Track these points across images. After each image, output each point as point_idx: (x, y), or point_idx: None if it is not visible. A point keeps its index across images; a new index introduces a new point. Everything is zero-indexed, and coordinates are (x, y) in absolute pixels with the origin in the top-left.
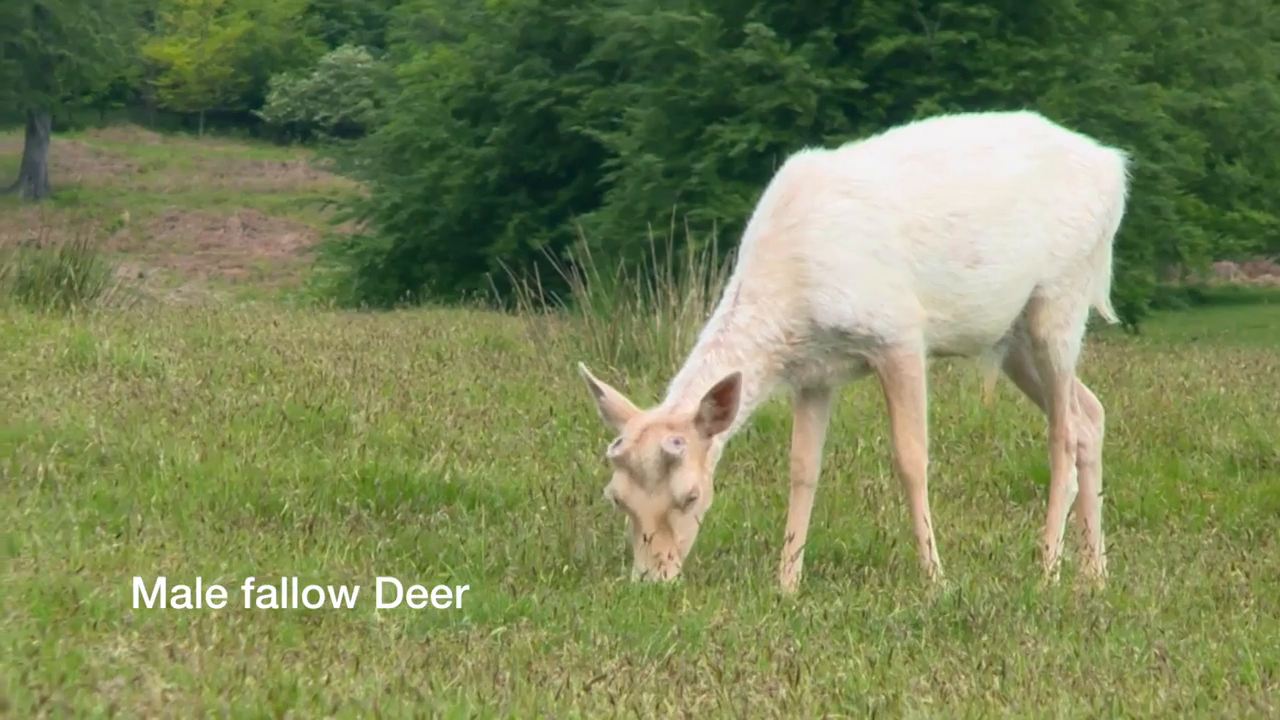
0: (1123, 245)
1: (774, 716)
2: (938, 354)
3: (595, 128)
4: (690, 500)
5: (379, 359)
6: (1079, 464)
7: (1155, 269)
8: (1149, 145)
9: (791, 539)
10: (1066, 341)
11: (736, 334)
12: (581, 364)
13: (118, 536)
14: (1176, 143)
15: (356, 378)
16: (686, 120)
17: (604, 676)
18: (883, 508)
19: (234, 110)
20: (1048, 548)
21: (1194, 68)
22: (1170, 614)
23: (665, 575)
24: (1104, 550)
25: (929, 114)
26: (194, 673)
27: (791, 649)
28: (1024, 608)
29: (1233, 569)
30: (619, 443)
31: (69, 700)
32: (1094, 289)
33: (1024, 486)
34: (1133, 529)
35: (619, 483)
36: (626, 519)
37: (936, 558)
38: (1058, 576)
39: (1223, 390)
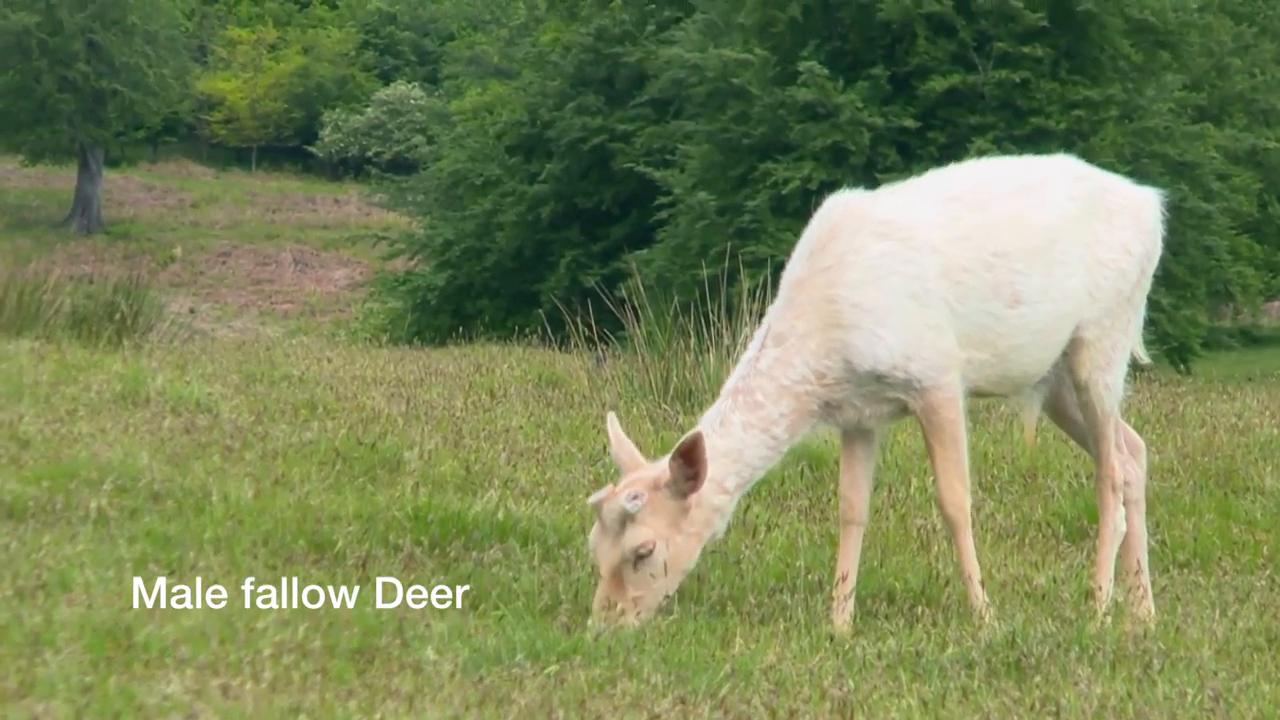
0: (1175, 284)
1: None
2: (977, 394)
3: (648, 165)
4: (641, 557)
5: (432, 395)
6: (1125, 502)
7: (1207, 309)
8: (1202, 185)
9: (844, 579)
10: (1109, 384)
11: (758, 378)
12: (612, 414)
13: (171, 573)
14: (1229, 183)
15: (410, 414)
16: (740, 157)
17: (658, 716)
18: (935, 547)
19: (287, 145)
20: (1100, 588)
21: (1247, 108)
22: (1223, 656)
23: (612, 626)
24: (1152, 589)
25: (982, 153)
26: (247, 710)
27: (845, 689)
28: (1077, 648)
29: None
30: (601, 492)
31: None
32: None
33: (1077, 527)
34: (1185, 570)
35: (593, 531)
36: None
37: (986, 597)
38: (1110, 618)
39: (1276, 431)
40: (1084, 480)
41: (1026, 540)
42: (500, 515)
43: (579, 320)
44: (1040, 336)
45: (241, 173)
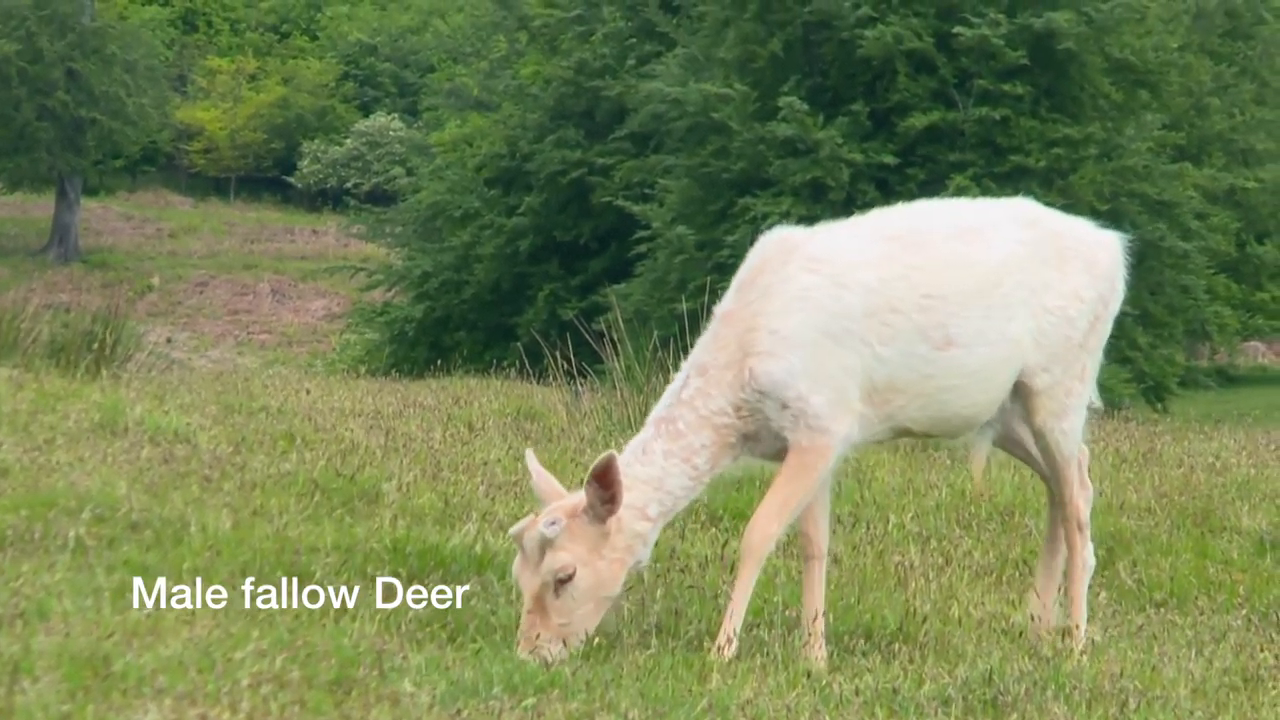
0: (1152, 324)
1: None
2: (912, 435)
3: (628, 199)
4: (561, 582)
5: (411, 428)
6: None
7: (1185, 348)
8: (1180, 224)
9: (816, 617)
10: (1065, 429)
11: (681, 408)
12: (529, 451)
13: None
14: (1208, 222)
15: (388, 447)
16: (719, 192)
17: None
18: (913, 584)
19: (266, 176)
20: (1077, 627)
21: (1226, 148)
22: (1199, 695)
23: (536, 655)
24: (1129, 628)
25: (961, 190)
26: None
27: None
28: (1054, 686)
29: (1262, 650)
30: (521, 522)
31: None
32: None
33: None
34: (1162, 609)
35: (516, 560)
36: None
37: (735, 632)
38: (1086, 656)
39: (1253, 471)
40: None
41: (1004, 578)
42: (478, 549)
43: (558, 354)
44: (976, 379)
45: (220, 203)
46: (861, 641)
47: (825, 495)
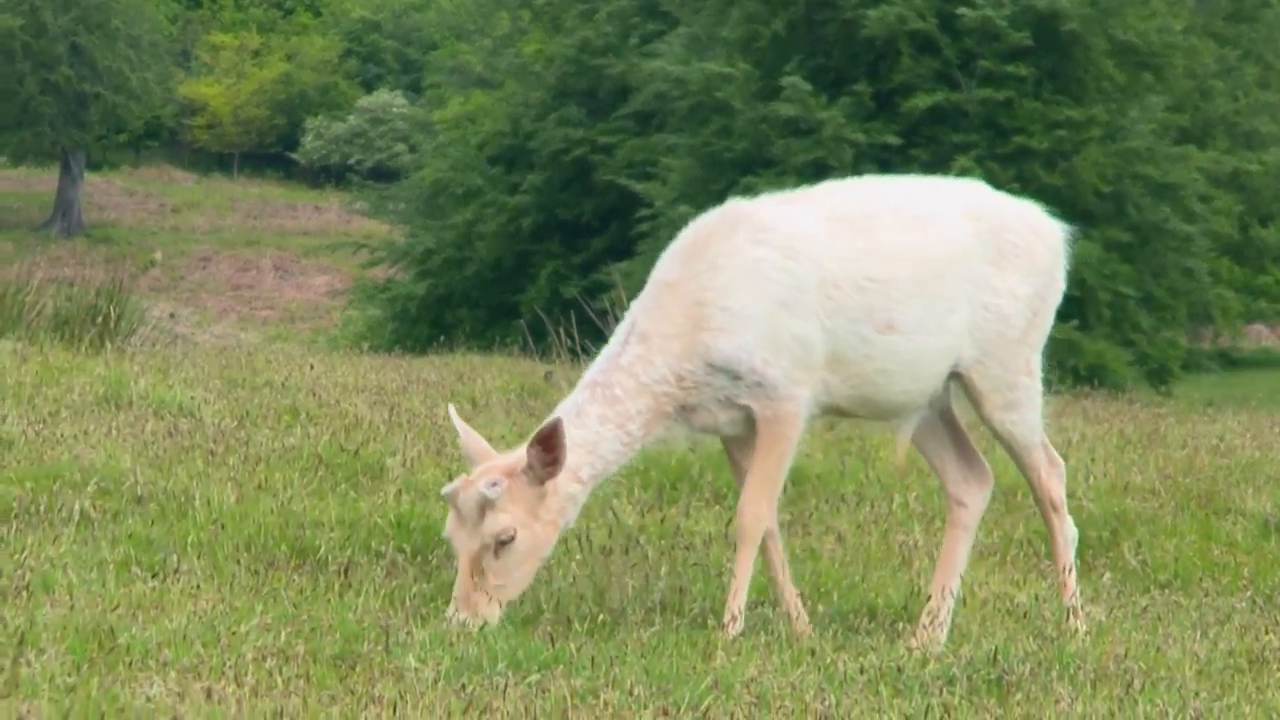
0: (1155, 307)
1: None
2: (839, 414)
3: (630, 177)
4: (502, 543)
5: (414, 404)
6: (953, 526)
7: (1187, 331)
8: (1183, 207)
9: (785, 591)
10: (1015, 421)
11: (619, 373)
12: (451, 405)
13: (153, 576)
14: (1211, 205)
15: (392, 422)
16: (722, 172)
17: None
18: (917, 563)
19: (269, 152)
20: (1075, 604)
21: (1230, 130)
22: (1204, 676)
23: (474, 616)
24: (1133, 609)
25: (965, 171)
26: (230, 713)
27: (826, 703)
28: (1058, 667)
29: (1267, 633)
30: (455, 483)
31: None
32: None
33: None
34: (1167, 590)
35: (449, 520)
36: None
37: (740, 610)
38: (1090, 636)
39: (1257, 454)
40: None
41: (1008, 558)
42: None
43: (561, 331)
44: (910, 367)
45: (223, 178)
46: (866, 620)
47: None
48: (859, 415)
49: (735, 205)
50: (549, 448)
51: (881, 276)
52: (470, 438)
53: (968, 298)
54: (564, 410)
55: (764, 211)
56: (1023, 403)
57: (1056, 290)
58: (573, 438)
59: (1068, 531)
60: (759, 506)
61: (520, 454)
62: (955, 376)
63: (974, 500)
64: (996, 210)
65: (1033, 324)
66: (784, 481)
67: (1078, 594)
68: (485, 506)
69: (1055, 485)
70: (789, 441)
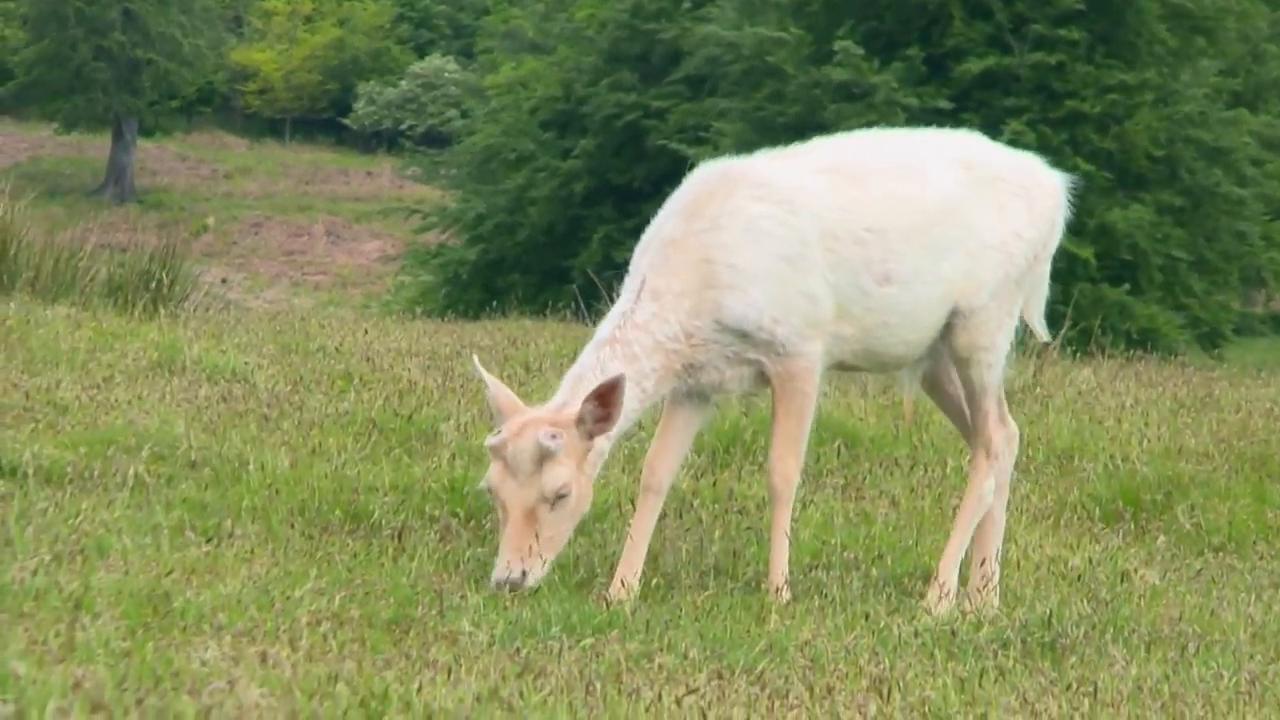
0: (1208, 270)
1: None
2: (844, 368)
3: (682, 142)
4: (560, 497)
5: (468, 369)
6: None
7: (1240, 294)
8: (1236, 171)
9: (634, 547)
10: (990, 362)
11: (634, 330)
12: (475, 356)
13: (208, 541)
14: (1263, 169)
15: (446, 387)
16: (774, 136)
17: (695, 690)
18: None
19: (321, 117)
20: (945, 556)
21: None
22: (1259, 640)
23: (526, 572)
24: (1187, 572)
25: (1016, 135)
26: (285, 677)
27: (881, 666)
28: (1112, 630)
29: None
30: (498, 433)
31: (165, 703)
32: (1029, 308)
33: (1112, 509)
34: (1220, 554)
35: (493, 472)
36: (499, 513)
37: (783, 579)
38: (950, 598)
39: None
40: (1120, 463)
41: (1062, 522)
42: None
43: (613, 296)
44: (909, 317)
45: (275, 144)
46: (920, 584)
47: (686, 437)
48: (862, 368)
49: (731, 163)
50: (606, 403)
51: (878, 227)
52: (499, 389)
53: (963, 245)
54: (588, 368)
55: (761, 168)
56: (1000, 344)
57: (1056, 238)
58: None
59: (985, 490)
60: (786, 465)
61: (559, 407)
62: (952, 320)
63: (1004, 458)
64: (990, 158)
65: (1030, 268)
66: (808, 435)
67: (960, 553)
68: (544, 458)
69: (997, 439)
70: (806, 398)
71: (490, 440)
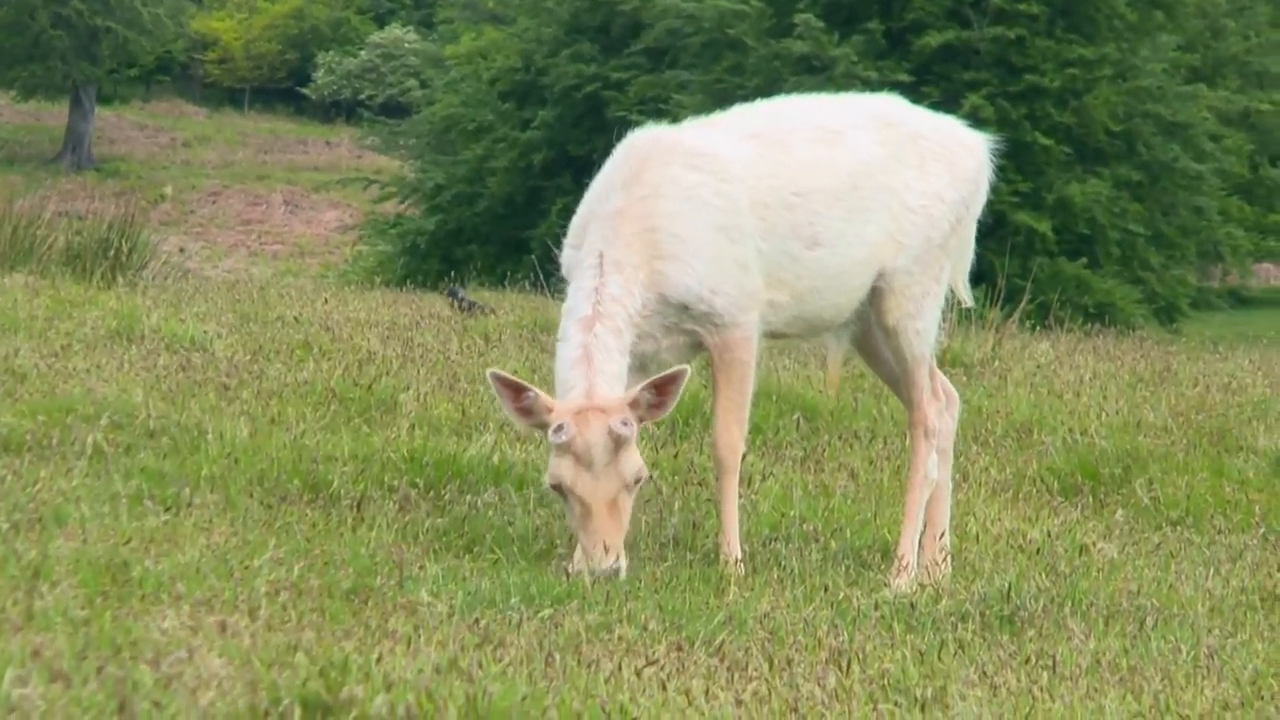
0: (1165, 245)
1: (823, 705)
2: (776, 336)
3: (642, 114)
4: (638, 481)
5: (427, 339)
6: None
7: (1197, 269)
8: (1194, 146)
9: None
10: (919, 330)
11: (613, 304)
12: (490, 370)
13: (166, 510)
14: (1221, 144)
15: (405, 357)
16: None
17: (655, 661)
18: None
19: (280, 87)
20: (903, 535)
21: (1241, 70)
22: (1217, 613)
23: (617, 564)
24: (1146, 546)
25: (976, 109)
26: (244, 646)
27: (840, 638)
28: (1071, 603)
29: (1278, 570)
30: (561, 428)
31: (124, 672)
32: (954, 273)
33: (1071, 482)
34: (1179, 527)
35: (564, 469)
36: (571, 510)
37: (735, 550)
38: (911, 573)
39: (1268, 391)
40: (1078, 436)
41: (1020, 495)
42: (495, 459)
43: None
44: (837, 280)
45: (234, 113)
46: (878, 557)
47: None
48: (792, 335)
49: (661, 131)
50: (663, 391)
51: (804, 190)
52: (537, 393)
53: (886, 206)
54: (585, 349)
55: (691, 137)
56: (928, 311)
57: (980, 200)
58: (613, 372)
59: (929, 467)
60: (731, 435)
61: (596, 394)
62: (876, 284)
63: (945, 424)
64: (909, 118)
65: (954, 231)
66: (750, 404)
67: (917, 531)
68: (620, 446)
69: (933, 412)
70: (746, 367)
71: (556, 437)
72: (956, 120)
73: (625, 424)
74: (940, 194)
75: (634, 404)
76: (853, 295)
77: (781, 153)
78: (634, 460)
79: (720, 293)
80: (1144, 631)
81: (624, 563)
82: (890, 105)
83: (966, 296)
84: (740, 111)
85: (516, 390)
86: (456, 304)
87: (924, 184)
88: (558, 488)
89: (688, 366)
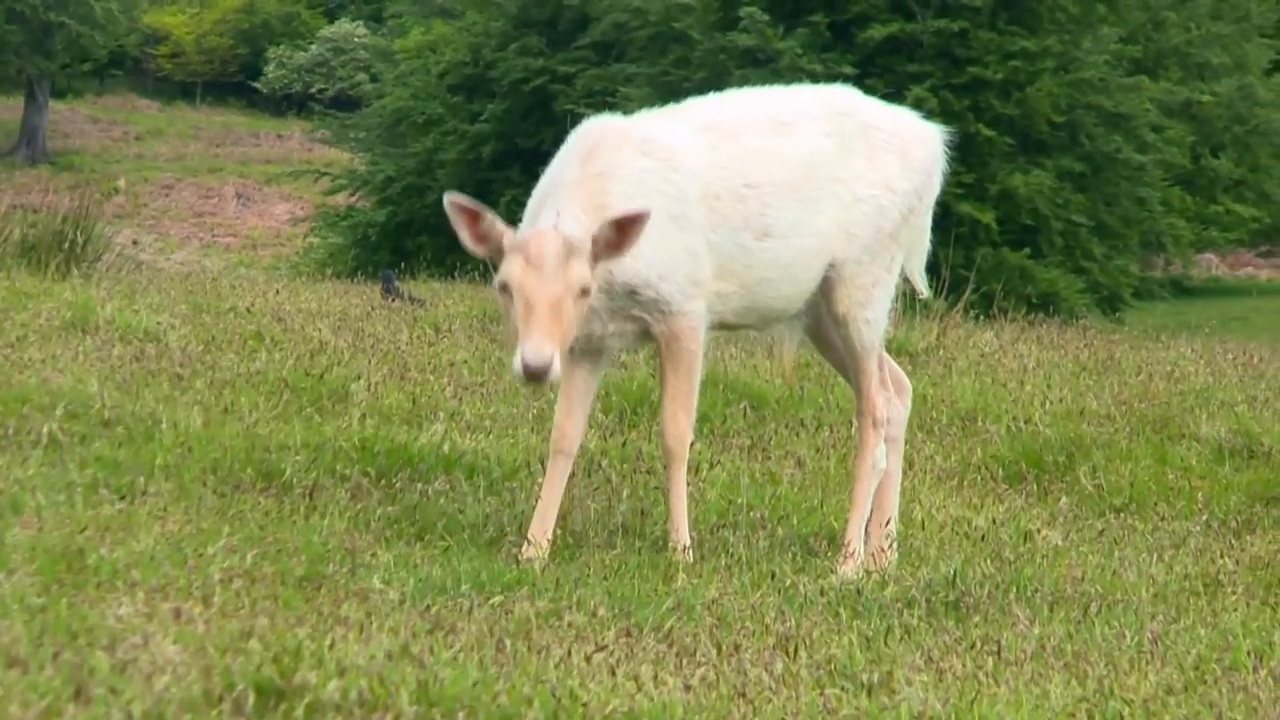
0: (1108, 235)
1: (770, 690)
2: (726, 327)
3: (589, 107)
4: (584, 292)
5: (378, 329)
6: (884, 440)
7: (1139, 259)
8: (1136, 137)
9: (543, 509)
10: (869, 319)
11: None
12: (447, 194)
13: (121, 498)
14: (1163, 135)
15: (356, 347)
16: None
17: (604, 647)
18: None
19: (232, 81)
20: (848, 523)
21: (1182, 62)
22: (1160, 599)
23: (551, 357)
24: (1089, 533)
25: (920, 101)
26: (199, 633)
27: (787, 625)
28: (1015, 589)
29: (1221, 556)
30: (516, 234)
31: (80, 659)
32: (910, 263)
33: (1015, 470)
34: (1122, 515)
35: (513, 267)
36: (514, 310)
37: (684, 538)
38: (858, 560)
39: (1211, 380)
40: (1022, 425)
41: (965, 482)
42: (446, 448)
43: None
44: (788, 271)
45: (186, 107)
46: (825, 544)
47: (589, 396)
48: (743, 325)
49: (613, 119)
50: (625, 232)
51: (755, 181)
52: (495, 219)
53: (836, 196)
54: (559, 198)
55: (643, 126)
56: (877, 300)
57: (933, 191)
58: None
59: (877, 456)
60: (679, 424)
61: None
62: (827, 274)
63: (896, 411)
64: (861, 108)
65: (906, 220)
66: (697, 392)
67: (862, 522)
68: (571, 254)
69: (881, 401)
70: (693, 355)
71: (510, 239)
72: (910, 111)
73: (580, 238)
74: (891, 184)
75: (594, 240)
76: (804, 286)
77: (733, 144)
78: (583, 270)
79: (668, 279)
80: (1088, 617)
81: (558, 364)
82: (843, 96)
83: (922, 287)
84: (694, 103)
85: (473, 216)
86: (387, 291)
87: (875, 174)
88: (504, 287)
89: (650, 208)
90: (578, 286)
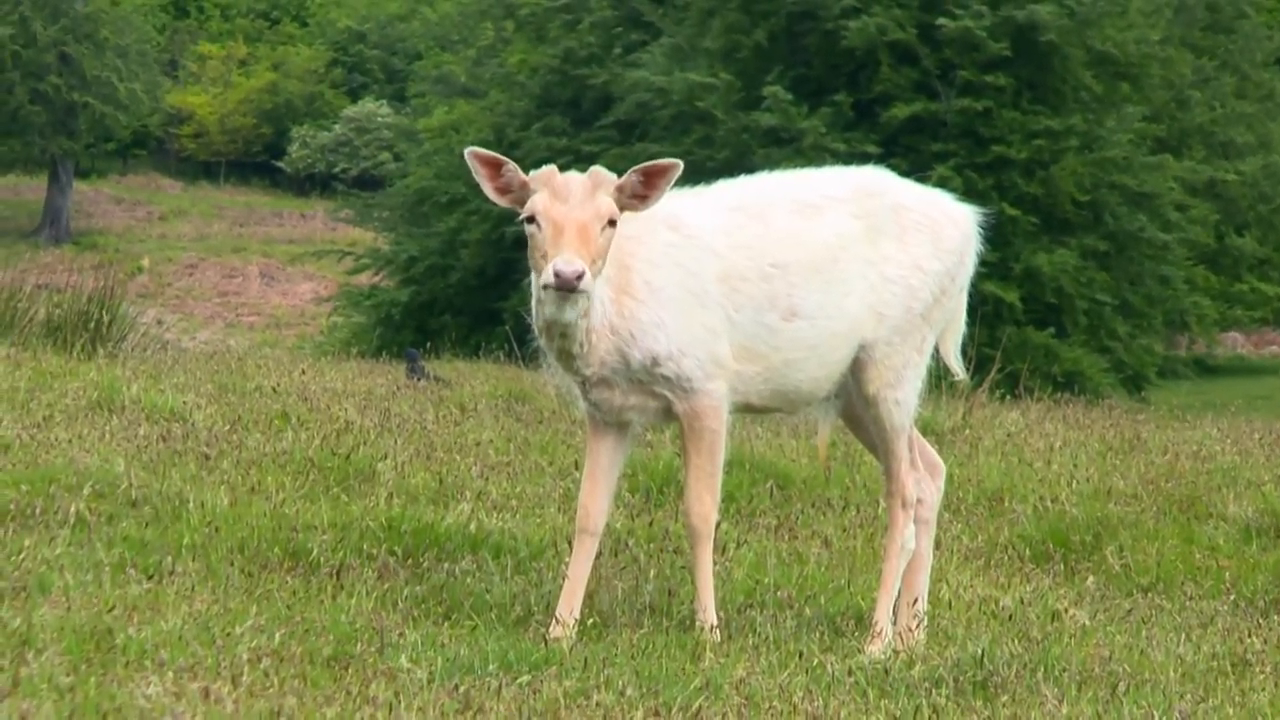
0: (1132, 314)
1: None
2: (752, 410)
3: None
4: (611, 222)
5: (403, 409)
6: (915, 522)
7: (1163, 338)
8: (1160, 216)
9: (572, 589)
10: (898, 400)
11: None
12: (468, 148)
13: (149, 578)
14: (1187, 214)
15: (382, 427)
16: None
17: None
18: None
19: (255, 160)
20: (877, 603)
21: (1206, 140)
22: (1188, 679)
23: (581, 267)
24: (1118, 613)
25: (944, 180)
26: (227, 712)
27: (815, 704)
28: (1044, 669)
29: (1249, 636)
30: (541, 170)
31: None
32: (944, 344)
33: (1042, 549)
34: (1149, 594)
35: (540, 199)
36: (541, 236)
37: (711, 619)
38: (886, 640)
39: (1237, 459)
40: (1049, 504)
41: (992, 562)
42: (472, 527)
43: None
44: (816, 353)
45: (209, 186)
46: (852, 623)
47: (613, 475)
48: (771, 408)
49: None
50: (651, 182)
51: (781, 262)
52: (515, 167)
53: (864, 278)
54: None
55: (672, 204)
56: (907, 380)
57: (966, 271)
58: None
59: (906, 537)
60: (703, 504)
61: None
62: (857, 355)
63: (929, 493)
64: (892, 189)
65: (938, 302)
66: (721, 472)
67: (890, 603)
68: (598, 187)
69: (909, 484)
70: (716, 435)
71: (534, 173)
72: (943, 192)
73: (606, 175)
74: (921, 265)
75: (620, 188)
76: (833, 368)
77: (760, 224)
78: (608, 202)
79: (689, 354)
80: (1116, 697)
81: (589, 279)
82: (873, 176)
83: (958, 368)
84: (725, 184)
85: (494, 166)
86: (411, 372)
87: (904, 255)
88: (531, 219)
89: (679, 161)
90: (606, 215)
